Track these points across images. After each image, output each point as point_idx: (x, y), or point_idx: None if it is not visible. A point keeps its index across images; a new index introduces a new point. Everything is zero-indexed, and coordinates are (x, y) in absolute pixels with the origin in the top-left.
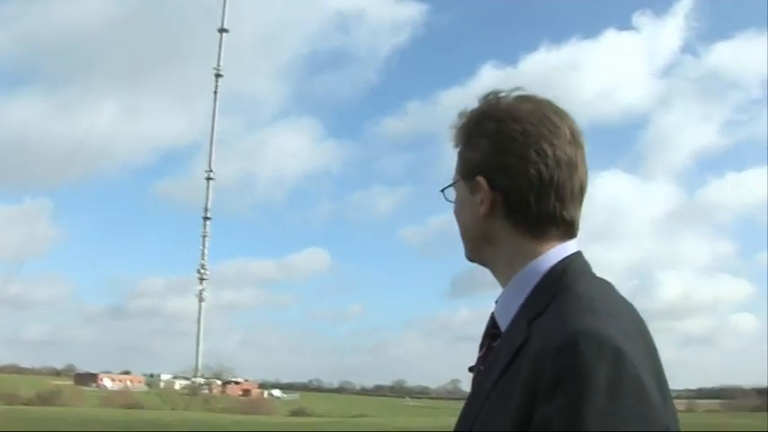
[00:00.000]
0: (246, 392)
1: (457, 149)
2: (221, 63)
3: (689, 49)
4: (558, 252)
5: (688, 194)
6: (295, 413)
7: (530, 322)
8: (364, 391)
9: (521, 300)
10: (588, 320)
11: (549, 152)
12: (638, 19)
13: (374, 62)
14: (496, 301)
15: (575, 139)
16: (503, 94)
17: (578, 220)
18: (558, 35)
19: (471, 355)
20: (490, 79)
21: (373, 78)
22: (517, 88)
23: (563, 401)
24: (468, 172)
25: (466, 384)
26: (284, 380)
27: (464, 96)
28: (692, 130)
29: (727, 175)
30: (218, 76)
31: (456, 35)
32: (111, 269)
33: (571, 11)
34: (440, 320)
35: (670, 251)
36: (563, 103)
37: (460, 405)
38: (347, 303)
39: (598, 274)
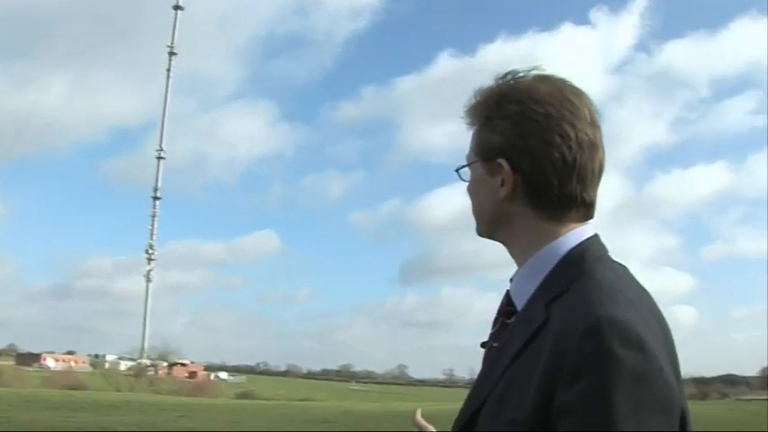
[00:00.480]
0: (193, 375)
1: (472, 128)
2: (175, 41)
3: (642, 46)
4: (576, 235)
5: (636, 189)
6: (242, 396)
7: (548, 304)
8: (311, 375)
9: (538, 281)
10: (611, 308)
11: (572, 134)
12: (595, 15)
13: (331, 47)
14: (511, 280)
15: (593, 120)
16: (521, 74)
17: (596, 201)
18: (516, 27)
19: (419, 340)
20: (447, 68)
21: (330, 63)
22: (535, 67)
23: (588, 386)
24: (487, 153)
25: (412, 370)
26: (231, 362)
27: (420, 83)
28: (642, 127)
29: (673, 171)
30: (171, 54)
31: (415, 23)
32: (57, 248)
33: (529, 4)
34: (388, 306)
35: (617, 244)
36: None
37: (406, 390)
38: (296, 287)
39: None
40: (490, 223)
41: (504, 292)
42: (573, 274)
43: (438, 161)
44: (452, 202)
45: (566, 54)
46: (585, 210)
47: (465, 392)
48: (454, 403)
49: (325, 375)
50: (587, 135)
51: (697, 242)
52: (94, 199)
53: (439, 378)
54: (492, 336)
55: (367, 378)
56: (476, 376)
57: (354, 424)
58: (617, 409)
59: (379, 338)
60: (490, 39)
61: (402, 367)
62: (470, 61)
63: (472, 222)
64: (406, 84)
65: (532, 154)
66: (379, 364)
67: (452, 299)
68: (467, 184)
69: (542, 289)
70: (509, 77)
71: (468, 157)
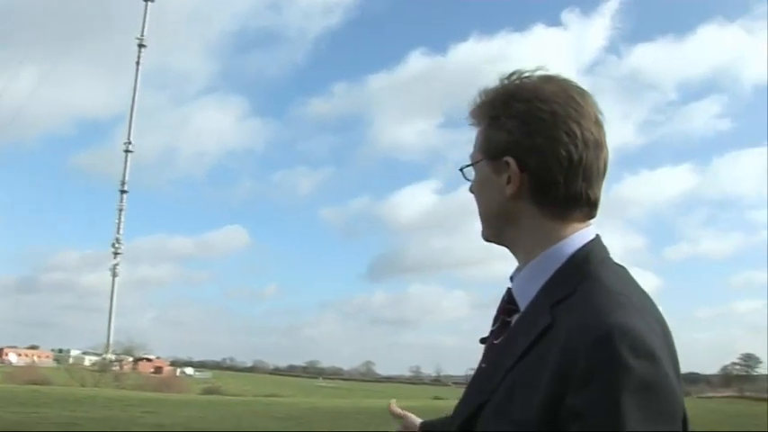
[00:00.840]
0: (158, 370)
1: (478, 128)
2: (145, 33)
3: (612, 49)
4: (580, 236)
5: (604, 189)
6: (208, 391)
7: (553, 306)
8: (277, 371)
9: (541, 282)
10: (621, 316)
11: (578, 132)
12: (567, 16)
13: (304, 43)
14: (511, 278)
15: (597, 120)
16: (526, 74)
17: (600, 200)
18: (489, 27)
19: (386, 337)
20: (418, 66)
21: (301, 59)
22: (539, 68)
23: (598, 393)
24: (494, 152)
25: (379, 367)
26: (197, 358)
27: (391, 81)
28: (611, 128)
29: (641, 172)
30: (141, 46)
31: (388, 20)
32: (22, 241)
33: (502, 4)
34: (356, 303)
35: None
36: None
37: (373, 386)
38: (264, 283)
39: None
40: (495, 222)
41: (506, 289)
42: (578, 277)
43: (408, 159)
44: (421, 199)
45: (537, 55)
46: (589, 209)
47: (432, 389)
48: (421, 400)
49: (292, 371)
50: (593, 134)
51: (662, 243)
52: (62, 192)
53: (405, 375)
54: (493, 333)
55: (334, 374)
56: (442, 374)
57: (322, 420)
58: (626, 416)
59: (346, 335)
60: (462, 38)
61: (369, 364)
62: (441, 60)
63: (441, 220)
64: (378, 81)
65: (539, 152)
66: (346, 360)
67: (420, 296)
68: (470, 183)
69: (546, 291)
70: (514, 77)
71: (473, 156)
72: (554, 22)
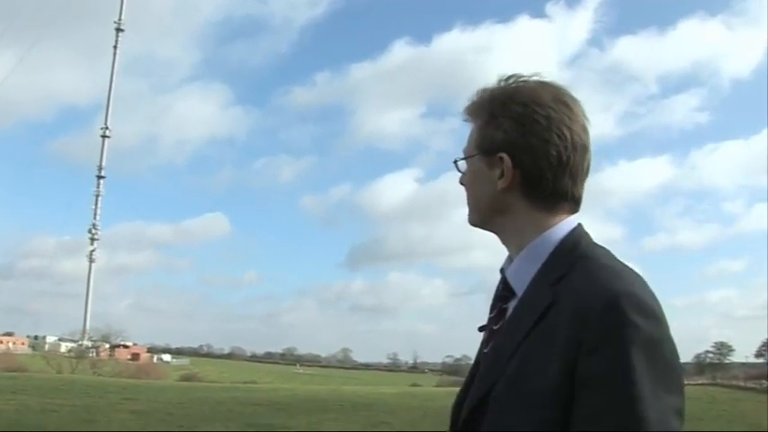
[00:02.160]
0: (135, 356)
1: (473, 124)
2: (123, 17)
3: (595, 41)
4: (568, 223)
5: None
6: (185, 378)
7: (552, 285)
8: (255, 358)
9: (537, 266)
10: (623, 284)
11: (568, 136)
12: (551, 8)
13: (288, 32)
14: (502, 269)
15: (585, 126)
16: (523, 79)
17: (582, 198)
18: (473, 18)
19: (364, 324)
20: (402, 56)
21: (285, 48)
22: (536, 74)
23: (613, 352)
24: (489, 148)
25: (357, 354)
26: (174, 345)
27: (374, 71)
28: (591, 119)
29: (620, 163)
30: (118, 30)
31: (373, 10)
32: None
33: None
34: (335, 290)
35: None
36: (473, 85)
37: (351, 374)
38: (243, 270)
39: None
40: (486, 212)
41: (500, 279)
42: (573, 257)
43: (389, 147)
44: (402, 188)
45: (521, 46)
46: (573, 204)
47: (409, 377)
48: (398, 387)
49: (270, 358)
50: (581, 138)
51: (640, 233)
52: (40, 178)
53: (383, 362)
54: (491, 320)
55: (311, 361)
56: (419, 361)
57: (302, 407)
58: (638, 371)
59: (324, 322)
60: (446, 28)
61: (346, 351)
62: (425, 50)
63: (421, 209)
64: (361, 71)
65: (532, 151)
66: (324, 347)
67: (399, 284)
68: (461, 175)
69: (543, 272)
70: (512, 81)
71: (468, 150)
72: (538, 13)
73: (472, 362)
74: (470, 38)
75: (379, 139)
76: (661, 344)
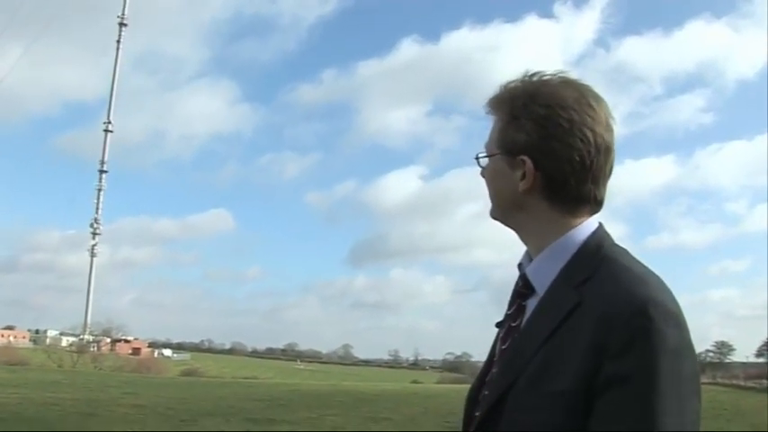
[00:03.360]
0: (136, 351)
1: (495, 120)
2: (126, 12)
3: (601, 42)
4: (589, 225)
5: None
6: (186, 373)
7: (577, 287)
8: (255, 354)
9: (559, 266)
10: (650, 290)
11: (591, 139)
12: (559, 8)
13: (297, 30)
14: (520, 264)
15: (609, 125)
16: (547, 77)
17: (605, 197)
18: (482, 17)
19: (365, 321)
20: (410, 54)
21: (294, 46)
22: (560, 72)
23: (639, 358)
24: (511, 149)
25: (358, 350)
26: (175, 339)
27: (382, 68)
28: None
29: (625, 162)
30: (122, 24)
31: (382, 8)
32: (3, 221)
33: None
34: (337, 286)
35: None
36: (480, 83)
37: (352, 370)
38: (247, 265)
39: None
40: (507, 209)
41: (519, 275)
42: (596, 260)
43: (395, 145)
44: (406, 185)
45: (528, 46)
46: (595, 205)
47: (410, 373)
48: (399, 383)
49: (271, 354)
50: (604, 139)
51: (643, 232)
52: (46, 173)
53: (384, 359)
54: (509, 316)
55: (312, 357)
56: (420, 358)
57: (304, 402)
58: (662, 376)
59: (326, 318)
60: (455, 27)
61: (347, 347)
62: (433, 48)
63: (425, 206)
64: (368, 68)
65: (555, 155)
66: (325, 343)
67: (401, 281)
68: (481, 169)
69: (566, 273)
70: (535, 78)
71: (489, 147)
72: (546, 13)
73: (472, 359)
74: (479, 37)
75: (384, 137)
76: (685, 352)
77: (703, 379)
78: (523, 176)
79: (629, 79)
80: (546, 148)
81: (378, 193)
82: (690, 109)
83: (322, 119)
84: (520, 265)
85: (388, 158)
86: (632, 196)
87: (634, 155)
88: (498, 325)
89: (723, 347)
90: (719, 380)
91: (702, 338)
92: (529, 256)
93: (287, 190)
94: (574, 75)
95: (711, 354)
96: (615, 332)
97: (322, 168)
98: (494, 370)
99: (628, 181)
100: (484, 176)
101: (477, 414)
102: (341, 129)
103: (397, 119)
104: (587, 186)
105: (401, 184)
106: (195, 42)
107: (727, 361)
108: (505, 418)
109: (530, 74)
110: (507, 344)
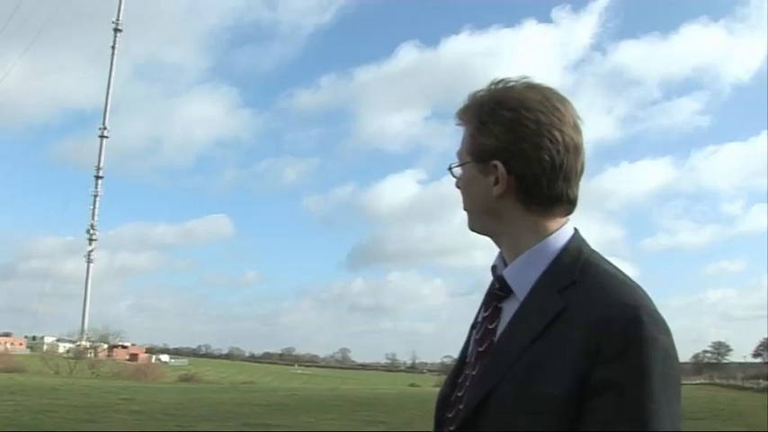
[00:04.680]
0: (134, 357)
1: (465, 129)
2: (121, 18)
3: (600, 45)
4: (567, 229)
5: (584, 181)
6: (184, 379)
7: (560, 292)
8: (253, 358)
9: (539, 270)
10: (638, 298)
11: (559, 138)
12: (557, 13)
13: (296, 37)
14: (493, 267)
15: (576, 125)
16: (511, 83)
17: (578, 197)
18: (481, 22)
19: (362, 324)
20: (409, 59)
21: (294, 52)
22: (524, 77)
23: (633, 364)
24: (482, 155)
25: (355, 354)
26: (173, 345)
27: (381, 73)
28: (594, 122)
29: (621, 164)
30: (116, 30)
31: (381, 14)
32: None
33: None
34: (334, 290)
35: None
36: (479, 88)
37: (349, 374)
38: (245, 270)
39: None
40: (482, 216)
41: (494, 278)
42: (578, 265)
43: (393, 149)
44: (404, 189)
45: (527, 51)
46: (569, 205)
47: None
48: (397, 387)
49: (268, 359)
50: (572, 139)
51: (640, 234)
52: (45, 179)
53: (381, 362)
54: (486, 318)
55: (309, 362)
56: (417, 361)
57: (302, 407)
58: (654, 382)
59: (323, 323)
60: (454, 32)
61: (344, 351)
62: (432, 54)
63: (422, 210)
64: (368, 73)
65: (525, 156)
66: (322, 347)
67: (398, 285)
68: (456, 180)
69: (548, 277)
70: (500, 85)
71: (461, 156)
72: (545, 18)
73: None
74: (478, 42)
75: (382, 141)
76: (673, 357)
77: (701, 379)
78: (496, 181)
79: (627, 83)
80: (515, 151)
81: (375, 197)
82: (686, 112)
83: (321, 124)
84: (494, 268)
85: (385, 163)
86: (629, 198)
87: (631, 157)
88: (473, 327)
89: (721, 348)
90: (717, 380)
91: (700, 339)
92: (503, 259)
93: (285, 195)
94: (538, 80)
95: (709, 354)
96: (610, 338)
97: (320, 173)
98: (469, 372)
99: (625, 183)
100: (459, 187)
101: (449, 416)
102: (339, 133)
103: (394, 123)
104: (559, 185)
105: (399, 188)
106: (195, 50)
107: (725, 361)
108: (490, 420)
109: (495, 81)
110: (485, 346)
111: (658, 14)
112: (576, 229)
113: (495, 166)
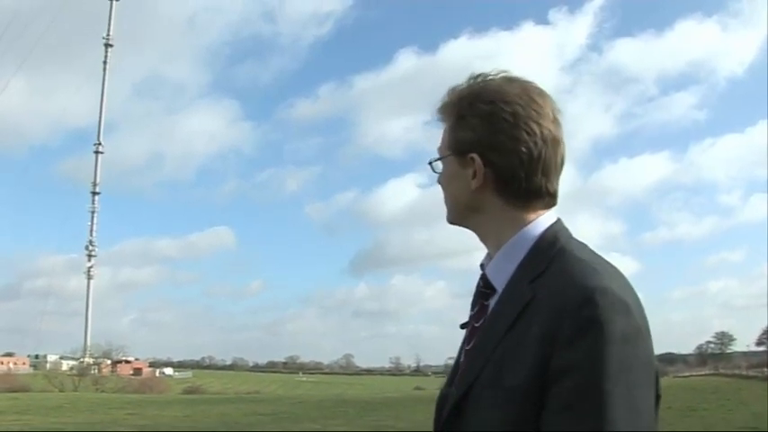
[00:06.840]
0: (137, 371)
1: (445, 125)
2: (111, 33)
3: (596, 44)
4: (545, 219)
5: (583, 178)
6: (189, 391)
7: (531, 282)
8: (257, 368)
9: (516, 262)
10: (598, 279)
11: (537, 131)
12: (554, 15)
13: (296, 47)
14: (482, 264)
15: (555, 118)
16: (490, 77)
17: (558, 191)
18: (479, 25)
19: (366, 329)
20: (408, 64)
21: (293, 63)
22: (503, 71)
23: (587, 347)
24: (460, 148)
25: (359, 359)
26: (176, 358)
27: (380, 80)
28: (591, 119)
29: (620, 160)
30: (107, 45)
31: (379, 22)
32: (2, 247)
33: (493, 3)
34: (338, 296)
35: None
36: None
37: (354, 379)
38: (247, 280)
39: None
40: (462, 210)
41: (480, 275)
42: (551, 254)
43: (392, 155)
44: (405, 193)
45: (525, 52)
46: (550, 198)
47: (413, 380)
48: (402, 390)
49: (272, 368)
50: (551, 131)
51: (640, 228)
52: (46, 198)
53: (386, 366)
54: (472, 317)
55: (314, 369)
56: (422, 364)
57: (309, 414)
58: (609, 363)
59: (327, 329)
60: (453, 36)
61: (348, 357)
62: (431, 59)
63: (423, 213)
64: (367, 79)
65: (502, 149)
66: (326, 354)
67: (401, 288)
68: (437, 175)
69: (522, 269)
70: (479, 79)
71: (441, 151)
72: (542, 20)
73: None
74: (476, 45)
75: (382, 147)
76: (635, 340)
77: (705, 370)
78: (474, 174)
79: (623, 80)
80: (493, 143)
81: (376, 202)
82: (683, 106)
83: (321, 133)
84: (482, 266)
85: (386, 168)
86: (629, 194)
87: (629, 153)
88: (463, 326)
89: (724, 338)
90: (721, 370)
91: (703, 330)
92: (490, 256)
93: (287, 204)
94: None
95: (712, 344)
96: (564, 323)
97: (321, 181)
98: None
99: (624, 179)
100: (440, 183)
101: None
102: (340, 141)
103: (394, 129)
104: (538, 179)
105: (399, 193)
106: (196, 65)
107: (729, 351)
108: (468, 417)
109: (474, 76)
110: (471, 344)
111: (653, 12)
112: (558, 219)
113: (473, 159)
